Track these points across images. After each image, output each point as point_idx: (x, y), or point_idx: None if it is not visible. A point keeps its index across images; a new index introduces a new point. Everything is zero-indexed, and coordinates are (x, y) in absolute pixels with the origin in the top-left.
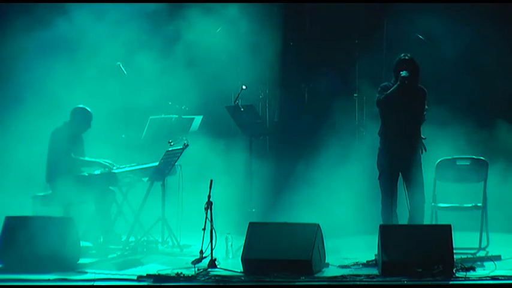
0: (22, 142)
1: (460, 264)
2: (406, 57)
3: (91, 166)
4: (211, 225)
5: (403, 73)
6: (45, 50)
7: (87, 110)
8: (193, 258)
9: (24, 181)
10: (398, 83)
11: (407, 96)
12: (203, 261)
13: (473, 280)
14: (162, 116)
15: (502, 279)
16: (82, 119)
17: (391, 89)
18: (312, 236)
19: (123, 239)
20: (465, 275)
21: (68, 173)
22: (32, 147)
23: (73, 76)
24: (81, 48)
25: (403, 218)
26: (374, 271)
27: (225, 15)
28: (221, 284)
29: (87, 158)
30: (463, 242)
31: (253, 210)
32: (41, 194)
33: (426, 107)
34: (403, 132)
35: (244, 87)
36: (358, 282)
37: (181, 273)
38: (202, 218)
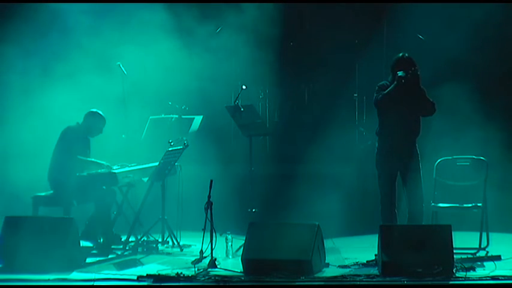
0: (22, 142)
1: (460, 264)
2: (404, 57)
3: (89, 166)
4: (211, 225)
5: (400, 73)
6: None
7: (101, 115)
8: (193, 258)
9: (24, 181)
10: (395, 82)
11: (405, 96)
12: (203, 261)
13: (473, 280)
14: (162, 116)
15: (502, 279)
16: (96, 123)
17: (388, 89)
18: (312, 236)
19: (123, 239)
20: (465, 275)
21: (71, 173)
22: (32, 147)
23: (73, 75)
24: (80, 47)
25: (403, 218)
26: (374, 271)
27: (225, 16)
28: (221, 284)
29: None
30: (463, 242)
31: (254, 210)
32: (41, 194)
33: (431, 99)
34: (401, 131)
35: (244, 87)
36: (358, 282)
37: (181, 273)
38: (202, 218)
